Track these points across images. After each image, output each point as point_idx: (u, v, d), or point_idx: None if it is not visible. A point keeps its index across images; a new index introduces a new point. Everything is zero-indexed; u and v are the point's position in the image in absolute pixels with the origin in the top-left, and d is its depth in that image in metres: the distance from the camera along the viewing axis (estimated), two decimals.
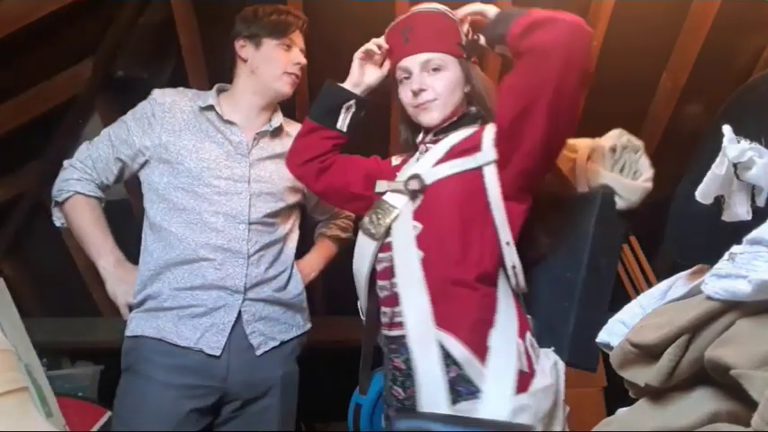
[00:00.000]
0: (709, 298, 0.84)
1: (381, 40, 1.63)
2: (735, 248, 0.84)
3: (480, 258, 1.43)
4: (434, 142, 1.56)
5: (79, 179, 1.76)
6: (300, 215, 1.93)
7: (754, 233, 0.82)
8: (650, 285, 2.04)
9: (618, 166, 1.55)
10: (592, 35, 1.35)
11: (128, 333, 1.70)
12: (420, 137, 1.60)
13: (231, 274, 1.68)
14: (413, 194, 1.49)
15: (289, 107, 1.91)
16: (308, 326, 1.85)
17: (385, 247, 1.50)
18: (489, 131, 1.48)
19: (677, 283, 1.10)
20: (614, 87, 2.54)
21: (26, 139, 2.39)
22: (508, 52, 1.44)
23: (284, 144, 1.81)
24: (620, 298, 1.35)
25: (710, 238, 1.02)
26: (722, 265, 0.85)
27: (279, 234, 1.79)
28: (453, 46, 1.54)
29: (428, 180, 1.48)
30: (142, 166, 1.77)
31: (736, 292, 0.79)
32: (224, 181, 1.72)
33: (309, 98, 2.42)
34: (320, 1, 2.29)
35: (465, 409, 1.32)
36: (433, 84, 1.52)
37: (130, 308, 1.73)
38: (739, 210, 0.96)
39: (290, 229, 1.86)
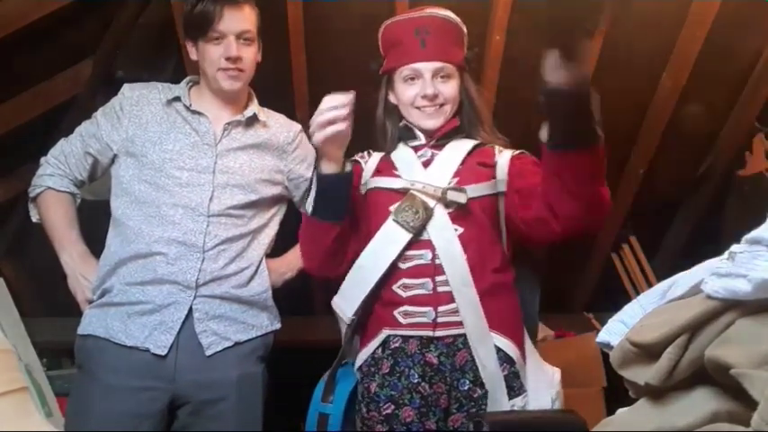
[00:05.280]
0: (709, 297, 0.84)
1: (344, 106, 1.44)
2: (734, 247, 0.84)
3: (509, 266, 1.58)
4: (437, 148, 1.61)
5: (51, 174, 1.74)
6: (287, 209, 1.84)
7: (754, 233, 0.82)
8: (650, 285, 2.04)
9: None
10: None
11: (79, 331, 1.65)
12: (419, 140, 1.62)
13: (183, 268, 1.61)
14: (451, 203, 1.52)
15: (289, 107, 1.90)
16: (276, 326, 1.76)
17: (416, 244, 1.51)
18: (504, 161, 1.57)
19: (677, 283, 1.10)
20: (614, 87, 2.55)
21: (26, 139, 2.39)
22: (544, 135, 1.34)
23: (258, 135, 1.76)
24: (620, 298, 1.36)
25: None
26: (722, 264, 0.85)
27: (248, 228, 1.71)
28: (462, 58, 1.62)
29: (471, 195, 1.51)
30: (112, 160, 1.73)
31: (736, 291, 0.79)
32: (187, 172, 1.66)
33: (309, 98, 2.42)
34: (320, 1, 2.28)
35: (519, 404, 1.44)
36: (443, 90, 1.58)
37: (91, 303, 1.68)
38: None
39: (266, 223, 1.77)
